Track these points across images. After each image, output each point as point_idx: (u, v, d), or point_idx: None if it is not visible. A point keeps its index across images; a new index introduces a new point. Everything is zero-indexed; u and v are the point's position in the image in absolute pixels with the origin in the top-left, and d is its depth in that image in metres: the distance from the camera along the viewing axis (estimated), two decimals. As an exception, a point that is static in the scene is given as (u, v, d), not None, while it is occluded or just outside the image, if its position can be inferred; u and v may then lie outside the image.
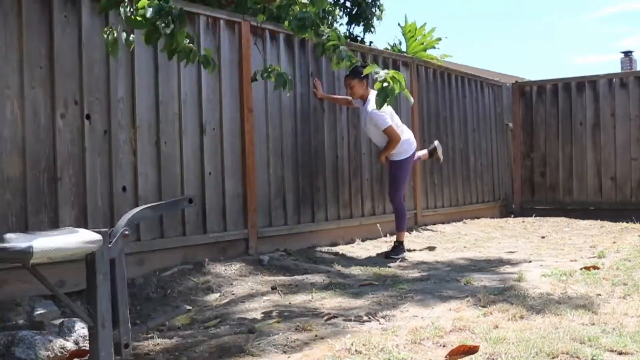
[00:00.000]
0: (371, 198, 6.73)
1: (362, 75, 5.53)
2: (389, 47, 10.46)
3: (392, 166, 5.82)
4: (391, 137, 5.66)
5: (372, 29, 11.11)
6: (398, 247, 5.72)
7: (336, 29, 5.31)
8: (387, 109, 5.55)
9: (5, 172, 3.68)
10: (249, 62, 5.27)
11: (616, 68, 29.35)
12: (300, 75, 5.89)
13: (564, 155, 9.32)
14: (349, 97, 6.09)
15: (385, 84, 3.50)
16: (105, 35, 3.27)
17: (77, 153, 4.04)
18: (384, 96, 3.51)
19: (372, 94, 5.53)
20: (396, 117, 5.89)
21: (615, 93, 8.93)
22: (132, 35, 3.32)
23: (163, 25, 3.01)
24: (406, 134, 5.89)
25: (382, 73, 3.54)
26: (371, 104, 5.58)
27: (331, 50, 3.90)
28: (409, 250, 6.02)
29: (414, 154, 5.97)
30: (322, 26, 3.84)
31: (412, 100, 4.26)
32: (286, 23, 3.82)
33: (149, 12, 3.00)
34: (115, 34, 3.26)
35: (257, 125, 5.37)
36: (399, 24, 10.43)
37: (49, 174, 3.89)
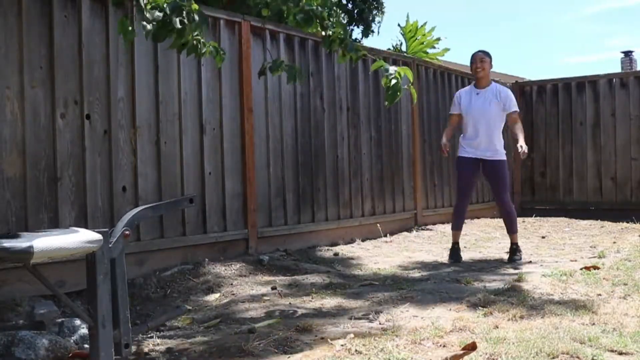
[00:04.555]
0: (371, 198, 6.73)
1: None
2: (392, 48, 10.47)
3: (501, 166, 5.55)
4: (519, 122, 5.62)
5: (371, 32, 11.11)
6: (517, 250, 5.45)
7: (342, 22, 5.28)
8: None
9: (5, 172, 3.68)
10: (248, 62, 5.27)
11: (614, 67, 29.37)
12: (301, 75, 5.88)
13: (564, 155, 9.31)
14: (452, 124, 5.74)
15: (394, 81, 3.49)
16: (120, 24, 3.24)
17: (77, 153, 4.04)
18: (393, 92, 3.50)
19: (495, 85, 5.75)
20: None
21: (616, 93, 8.93)
22: (148, 26, 3.28)
23: (178, 19, 2.99)
24: None
25: (392, 69, 3.53)
26: (499, 88, 5.68)
27: (337, 42, 3.86)
28: (407, 249, 6.03)
29: None
30: (327, 19, 3.81)
31: (415, 98, 4.24)
32: (291, 17, 3.79)
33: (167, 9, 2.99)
34: (130, 23, 3.25)
35: (257, 125, 5.37)
36: (398, 25, 10.44)
37: (49, 174, 3.88)
